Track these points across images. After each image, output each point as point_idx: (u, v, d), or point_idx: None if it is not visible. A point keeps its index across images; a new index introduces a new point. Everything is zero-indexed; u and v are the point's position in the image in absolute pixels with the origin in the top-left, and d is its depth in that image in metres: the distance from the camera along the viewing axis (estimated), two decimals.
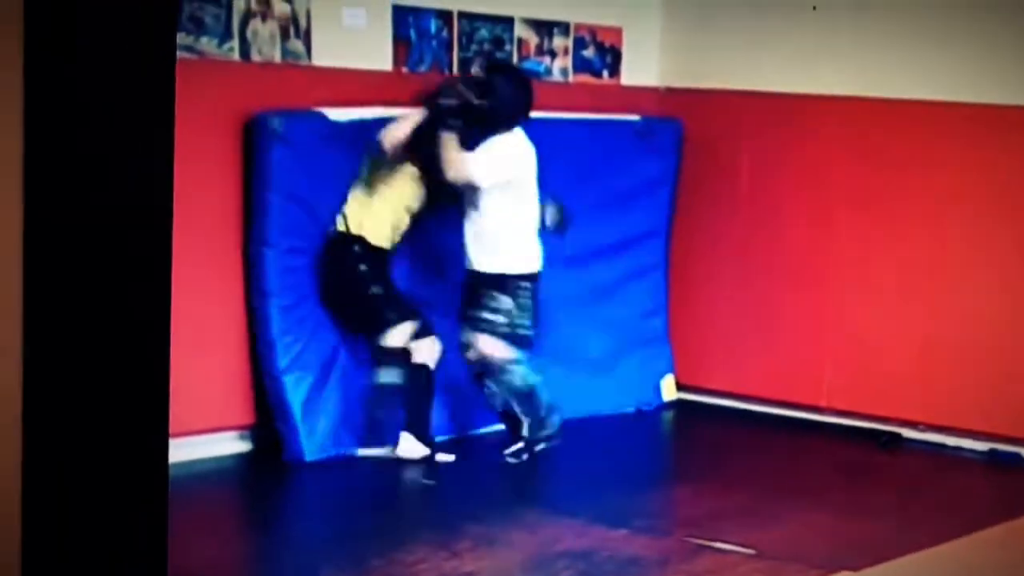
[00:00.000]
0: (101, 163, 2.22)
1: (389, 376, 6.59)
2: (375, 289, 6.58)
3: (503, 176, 6.42)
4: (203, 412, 6.34)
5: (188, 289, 5.91)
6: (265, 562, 5.43)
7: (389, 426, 6.61)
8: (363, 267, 6.55)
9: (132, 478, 2.28)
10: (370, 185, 6.55)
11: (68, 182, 2.18)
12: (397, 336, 6.58)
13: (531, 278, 6.57)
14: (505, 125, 6.47)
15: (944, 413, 7.29)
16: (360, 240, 6.53)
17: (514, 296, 6.51)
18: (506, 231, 6.50)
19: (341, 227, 6.55)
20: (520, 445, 6.55)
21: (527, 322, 6.55)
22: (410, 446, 6.59)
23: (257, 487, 6.45)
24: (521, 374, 6.54)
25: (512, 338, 6.52)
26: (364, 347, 6.68)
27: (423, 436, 6.61)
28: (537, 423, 6.53)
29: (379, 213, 6.55)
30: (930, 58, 7.27)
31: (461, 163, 6.36)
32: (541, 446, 6.56)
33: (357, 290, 6.59)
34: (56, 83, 2.15)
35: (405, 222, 6.65)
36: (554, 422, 6.56)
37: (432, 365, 6.64)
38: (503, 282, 6.50)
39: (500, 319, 6.50)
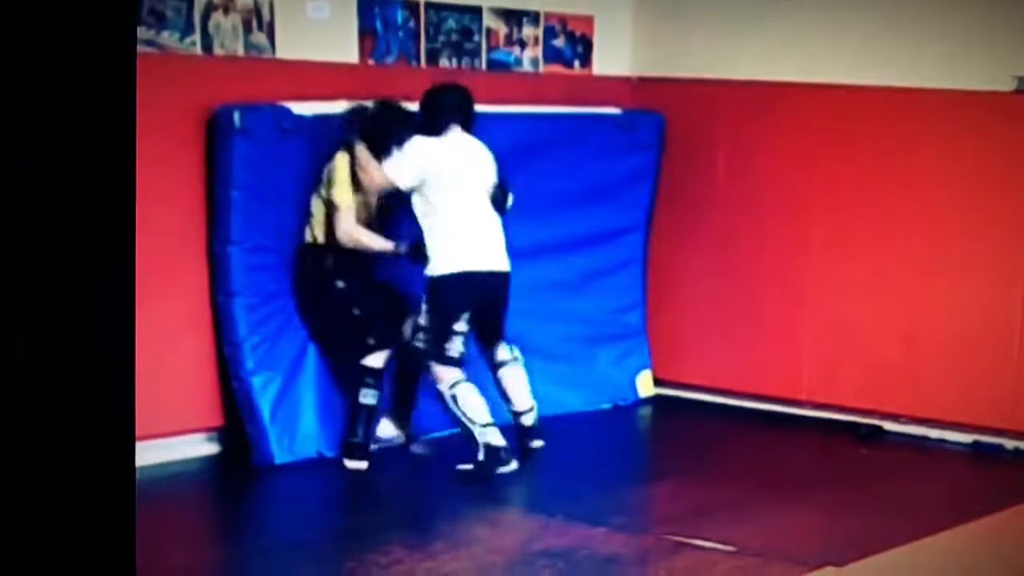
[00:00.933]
0: (61, 160, 2.21)
1: (369, 398, 6.55)
2: (356, 310, 6.52)
3: (421, 175, 6.37)
4: (170, 414, 6.33)
5: (153, 289, 5.93)
6: (237, 567, 5.42)
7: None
8: (340, 284, 6.51)
9: (98, 482, 2.27)
10: (327, 189, 6.48)
11: (27, 180, 2.16)
12: (378, 358, 6.55)
13: (466, 278, 6.45)
14: (427, 128, 6.42)
15: (926, 405, 7.32)
16: (331, 249, 6.48)
17: (433, 305, 6.43)
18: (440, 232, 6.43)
19: (309, 238, 6.51)
20: (470, 467, 6.47)
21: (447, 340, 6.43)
22: (386, 428, 6.76)
23: (227, 490, 6.44)
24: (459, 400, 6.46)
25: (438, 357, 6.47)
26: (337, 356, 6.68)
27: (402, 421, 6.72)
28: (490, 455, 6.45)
29: (341, 209, 6.45)
30: (911, 44, 7.29)
31: (376, 170, 6.35)
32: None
33: (337, 310, 6.55)
34: (16, 77, 2.14)
35: (372, 205, 6.57)
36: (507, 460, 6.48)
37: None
38: (428, 288, 6.46)
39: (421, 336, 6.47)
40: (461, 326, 6.42)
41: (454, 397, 6.40)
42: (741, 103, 7.78)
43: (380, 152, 6.36)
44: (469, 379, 6.45)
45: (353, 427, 6.57)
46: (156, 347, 6.11)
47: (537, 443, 6.76)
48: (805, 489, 6.40)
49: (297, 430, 6.55)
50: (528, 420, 6.78)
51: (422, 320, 6.47)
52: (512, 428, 6.71)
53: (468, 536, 5.59)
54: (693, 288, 8.03)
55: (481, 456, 6.40)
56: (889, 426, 7.45)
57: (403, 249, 6.47)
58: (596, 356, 7.82)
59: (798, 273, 7.67)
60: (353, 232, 6.43)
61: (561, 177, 7.52)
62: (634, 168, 7.91)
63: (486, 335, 6.69)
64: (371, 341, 6.52)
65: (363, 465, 6.54)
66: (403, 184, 6.35)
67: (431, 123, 6.45)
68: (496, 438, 6.42)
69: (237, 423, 6.53)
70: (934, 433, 7.35)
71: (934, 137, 7.23)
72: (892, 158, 7.35)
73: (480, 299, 6.50)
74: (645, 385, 8.06)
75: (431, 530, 5.65)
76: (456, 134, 6.46)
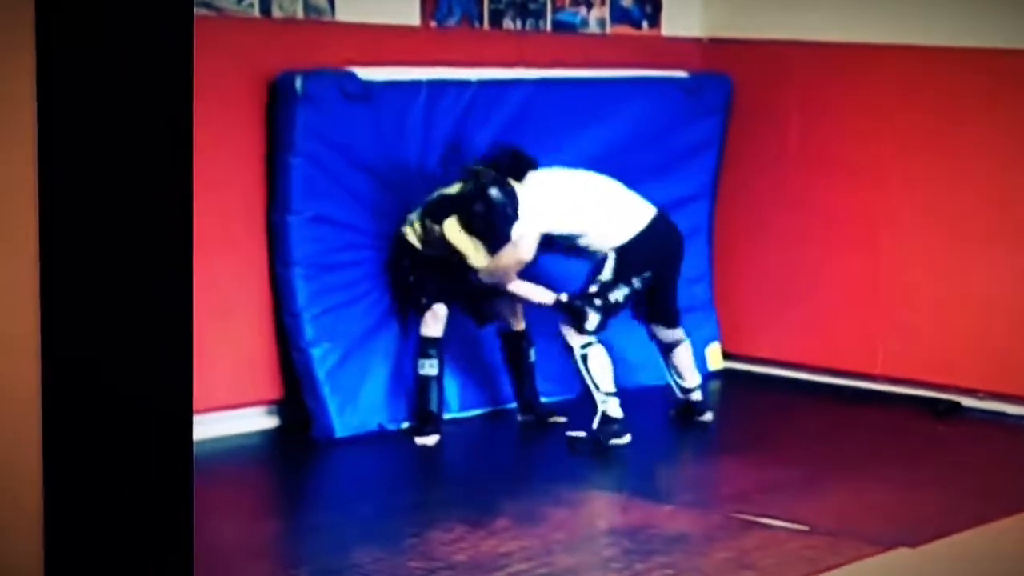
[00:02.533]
0: (119, 128, 2.22)
1: (427, 368, 6.58)
2: (410, 277, 6.63)
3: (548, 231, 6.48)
4: (229, 386, 6.37)
5: (212, 259, 5.96)
6: (295, 542, 5.46)
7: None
8: (412, 278, 6.64)
9: (156, 456, 2.29)
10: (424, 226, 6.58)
11: (84, 150, 2.18)
12: (432, 325, 6.58)
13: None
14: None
15: (1006, 380, 7.25)
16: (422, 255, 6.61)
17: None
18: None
19: (411, 238, 6.60)
20: (582, 435, 6.53)
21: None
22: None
23: (286, 465, 6.48)
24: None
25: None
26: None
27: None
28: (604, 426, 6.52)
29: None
30: (990, 4, 7.20)
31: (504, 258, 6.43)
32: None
33: (402, 288, 6.70)
34: (72, 42, 2.15)
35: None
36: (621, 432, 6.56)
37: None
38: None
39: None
40: (621, 294, 6.51)
41: (584, 357, 6.45)
42: (813, 64, 7.71)
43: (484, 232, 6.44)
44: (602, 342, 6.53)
45: (419, 401, 6.59)
46: (214, 317, 6.14)
47: (708, 416, 6.97)
48: (878, 466, 6.37)
49: (358, 403, 6.57)
50: (697, 395, 7.00)
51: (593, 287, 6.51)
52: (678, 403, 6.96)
53: (532, 514, 5.60)
54: (762, 258, 7.99)
55: (596, 424, 6.45)
56: (966, 402, 7.39)
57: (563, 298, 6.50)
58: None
59: (871, 241, 7.61)
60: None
61: (625, 143, 7.48)
62: (701, 133, 7.86)
63: (658, 310, 6.80)
64: (423, 300, 6.57)
65: (430, 440, 6.54)
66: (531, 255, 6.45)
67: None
68: (615, 409, 6.46)
69: (297, 396, 6.56)
70: (1013, 409, 7.28)
71: (1016, 100, 7.15)
72: (972, 121, 7.27)
73: (663, 259, 6.67)
74: (714, 358, 8.03)
75: (495, 507, 5.66)
76: (533, 176, 6.49)
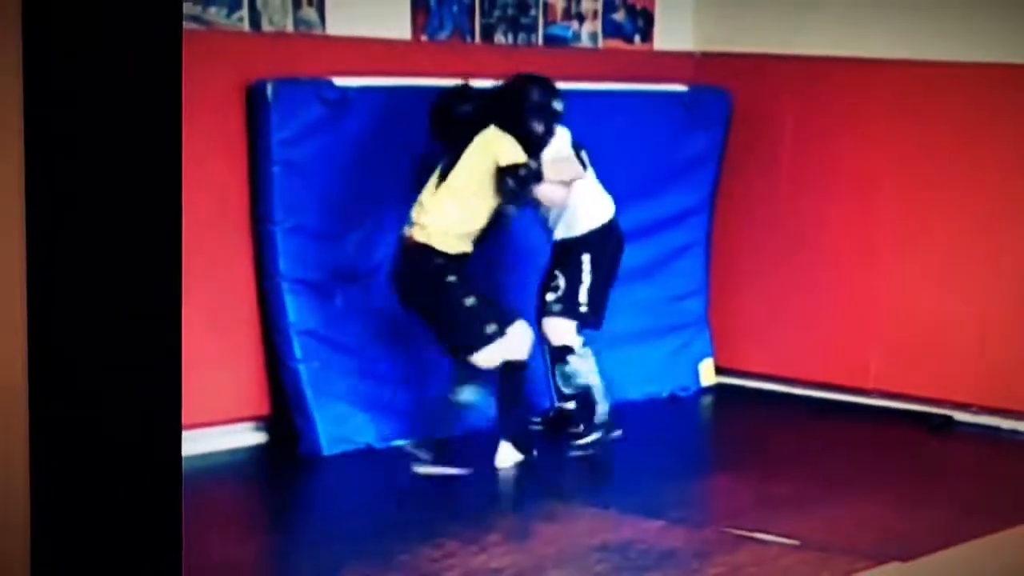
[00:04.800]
0: (108, 144, 2.22)
1: (469, 395, 6.30)
2: (469, 301, 6.18)
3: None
4: (216, 402, 6.36)
5: (199, 271, 5.95)
6: (284, 559, 5.46)
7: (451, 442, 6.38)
8: (451, 278, 6.18)
9: (145, 472, 2.29)
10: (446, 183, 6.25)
11: (71, 162, 2.18)
12: (493, 355, 6.22)
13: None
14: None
15: (998, 394, 7.27)
16: (439, 252, 6.19)
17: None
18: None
19: (420, 237, 6.19)
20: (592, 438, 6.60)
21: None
22: (508, 455, 6.42)
23: (274, 481, 6.48)
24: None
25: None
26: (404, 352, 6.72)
27: (524, 443, 6.46)
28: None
29: (451, 214, 6.21)
30: (985, 18, 7.22)
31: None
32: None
33: (448, 301, 6.20)
34: (60, 55, 2.16)
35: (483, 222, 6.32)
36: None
37: (524, 356, 6.34)
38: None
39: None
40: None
41: (584, 357, 6.55)
42: (807, 79, 7.73)
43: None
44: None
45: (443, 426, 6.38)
46: (201, 332, 6.14)
47: (589, 438, 6.78)
48: (871, 481, 6.38)
49: (346, 421, 6.56)
50: (571, 405, 6.91)
51: (560, 283, 6.56)
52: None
53: (522, 529, 5.61)
54: (756, 272, 8.00)
55: (598, 421, 6.57)
56: (959, 416, 7.40)
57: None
58: (656, 344, 7.79)
59: (866, 257, 7.62)
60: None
61: (621, 158, 7.49)
62: (698, 148, 7.86)
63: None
64: (491, 328, 6.18)
65: (448, 471, 6.25)
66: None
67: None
68: (606, 406, 6.59)
69: (284, 412, 6.56)
70: (1006, 424, 7.29)
71: (1012, 115, 7.17)
72: (968, 136, 7.29)
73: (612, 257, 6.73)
74: (707, 374, 8.04)
75: (485, 523, 5.66)
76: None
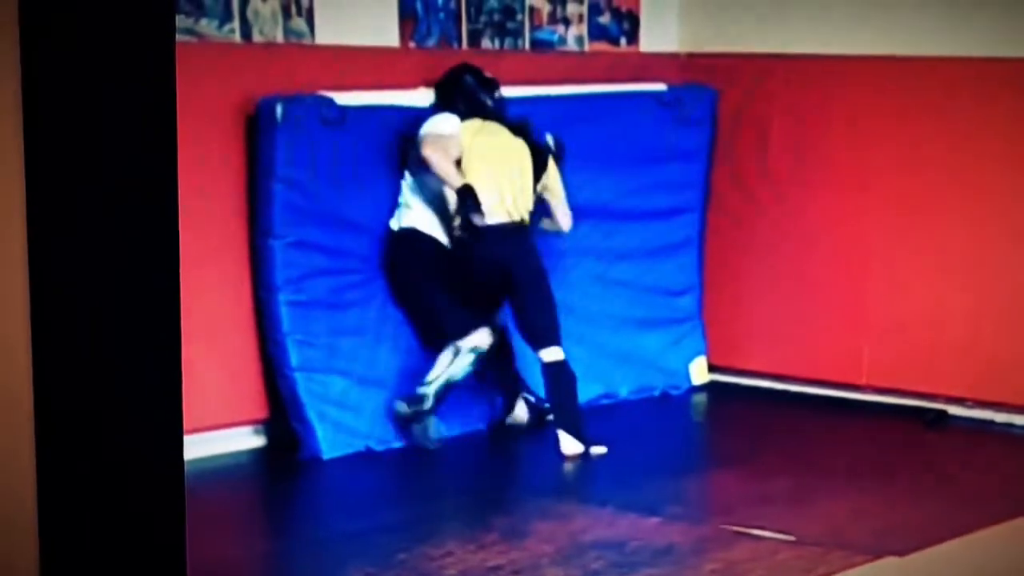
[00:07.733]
0: (101, 154, 2.26)
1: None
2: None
3: None
4: (216, 407, 6.40)
5: (196, 282, 5.99)
6: (285, 561, 5.49)
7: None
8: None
9: (147, 477, 2.33)
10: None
11: (66, 174, 2.22)
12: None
13: None
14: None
15: (992, 388, 7.30)
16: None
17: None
18: None
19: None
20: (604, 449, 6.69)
21: None
22: (570, 445, 6.60)
23: (275, 484, 6.51)
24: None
25: None
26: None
27: (578, 433, 6.63)
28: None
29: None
30: (970, 13, 7.26)
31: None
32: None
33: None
34: (53, 71, 2.20)
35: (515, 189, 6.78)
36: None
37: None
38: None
39: None
40: None
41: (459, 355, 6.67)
42: (795, 78, 7.75)
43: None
44: None
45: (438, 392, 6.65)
46: (201, 340, 6.18)
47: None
48: (866, 476, 6.42)
49: (345, 426, 6.60)
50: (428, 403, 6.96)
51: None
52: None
53: (520, 528, 5.64)
54: (748, 270, 8.03)
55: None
56: (953, 410, 7.43)
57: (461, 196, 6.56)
58: (648, 342, 7.83)
59: (857, 253, 7.65)
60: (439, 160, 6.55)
61: (611, 158, 7.54)
62: (686, 146, 7.89)
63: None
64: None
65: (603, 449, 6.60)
66: None
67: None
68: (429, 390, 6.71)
69: (284, 415, 6.60)
70: (1001, 417, 7.32)
71: (1001, 110, 7.20)
72: (958, 132, 7.32)
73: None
74: (699, 372, 8.06)
75: (482, 522, 5.70)
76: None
